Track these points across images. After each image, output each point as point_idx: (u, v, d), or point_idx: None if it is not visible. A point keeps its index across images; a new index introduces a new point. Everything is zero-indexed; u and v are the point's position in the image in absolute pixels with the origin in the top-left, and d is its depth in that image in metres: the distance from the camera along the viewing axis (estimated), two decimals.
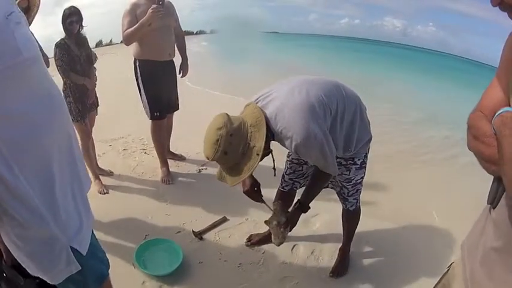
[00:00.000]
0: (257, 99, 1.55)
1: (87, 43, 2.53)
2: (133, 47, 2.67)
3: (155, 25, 2.53)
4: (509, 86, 0.74)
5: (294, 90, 1.47)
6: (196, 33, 18.41)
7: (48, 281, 0.90)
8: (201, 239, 2.24)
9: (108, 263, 1.08)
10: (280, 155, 1.79)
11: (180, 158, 3.27)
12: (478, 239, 0.81)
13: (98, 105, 2.71)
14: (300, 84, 1.50)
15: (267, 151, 1.54)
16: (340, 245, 2.09)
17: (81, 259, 0.91)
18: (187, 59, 3.01)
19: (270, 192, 1.92)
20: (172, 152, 3.26)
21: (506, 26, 0.71)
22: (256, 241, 2.20)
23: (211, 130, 1.42)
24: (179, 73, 3.00)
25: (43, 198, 0.81)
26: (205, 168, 3.13)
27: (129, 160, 3.26)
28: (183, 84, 3.61)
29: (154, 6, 2.45)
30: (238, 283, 1.92)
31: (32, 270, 0.88)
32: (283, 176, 1.96)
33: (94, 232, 1.03)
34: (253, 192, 1.75)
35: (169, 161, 3.04)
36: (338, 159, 1.66)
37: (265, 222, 1.71)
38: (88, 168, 2.63)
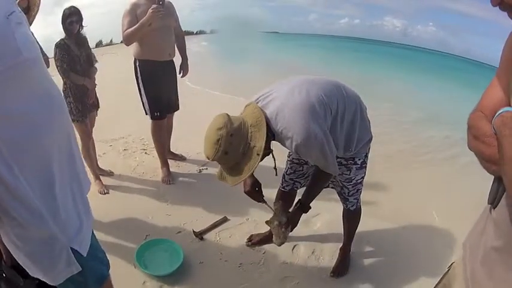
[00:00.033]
0: (257, 99, 1.55)
1: (87, 43, 2.53)
2: (133, 47, 2.67)
3: (155, 25, 2.53)
4: (509, 86, 0.74)
5: (294, 90, 1.47)
6: (197, 33, 18.41)
7: (48, 282, 0.90)
8: (201, 239, 2.24)
9: (109, 263, 1.08)
10: (281, 154, 1.79)
11: (180, 158, 3.27)
12: (478, 239, 0.81)
13: (98, 106, 2.71)
14: (300, 84, 1.50)
15: (268, 151, 1.53)
16: (340, 244, 2.09)
17: (81, 260, 0.91)
18: (187, 59, 3.01)
19: (271, 192, 1.92)
20: (173, 152, 3.26)
21: (506, 26, 0.71)
22: (257, 241, 2.20)
23: (212, 130, 1.42)
24: (179, 73, 3.00)
25: (43, 198, 0.81)
26: (206, 168, 3.13)
27: (129, 160, 3.26)
28: (183, 84, 3.61)
29: (154, 6, 2.45)
30: (238, 283, 1.92)
31: (33, 272, 0.88)
32: (283, 176, 1.96)
33: (94, 232, 1.03)
34: (255, 192, 1.75)
35: (170, 161, 3.04)
36: (338, 159, 1.66)
37: (266, 222, 1.71)
38: (88, 169, 2.64)
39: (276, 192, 2.01)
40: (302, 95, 1.45)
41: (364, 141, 1.67)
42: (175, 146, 3.30)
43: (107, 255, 1.10)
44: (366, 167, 1.78)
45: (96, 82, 2.58)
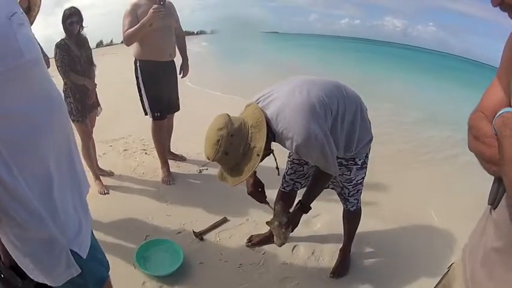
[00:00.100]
0: (258, 99, 1.55)
1: (88, 43, 2.53)
2: (133, 48, 2.67)
3: (156, 25, 2.53)
4: (510, 86, 0.74)
5: (295, 91, 1.47)
6: (197, 34, 18.40)
7: (48, 284, 0.90)
8: (201, 239, 2.24)
9: (108, 264, 1.08)
10: (281, 155, 1.79)
11: (180, 158, 3.27)
12: (478, 240, 0.80)
13: (100, 108, 2.71)
14: (300, 85, 1.50)
15: (268, 151, 1.53)
16: (340, 245, 2.09)
17: (80, 262, 0.90)
18: (187, 59, 3.01)
19: (271, 193, 1.92)
20: (173, 153, 3.26)
21: (506, 26, 0.71)
22: (257, 242, 2.20)
23: (212, 130, 1.42)
24: (180, 73, 3.00)
25: (42, 199, 0.80)
26: (206, 169, 3.13)
27: (129, 160, 3.26)
28: (184, 85, 3.60)
29: (155, 6, 2.45)
30: (238, 284, 1.92)
31: (33, 274, 0.88)
32: (284, 177, 1.95)
33: (94, 233, 1.02)
34: (258, 192, 1.75)
35: (170, 162, 3.04)
36: (339, 160, 1.66)
37: (267, 223, 1.71)
38: (89, 169, 2.64)
39: (277, 192, 2.01)
40: (303, 96, 1.45)
41: (365, 141, 1.67)
42: (175, 146, 3.30)
43: (107, 255, 1.09)
44: (366, 167, 1.78)
45: (96, 82, 2.58)
